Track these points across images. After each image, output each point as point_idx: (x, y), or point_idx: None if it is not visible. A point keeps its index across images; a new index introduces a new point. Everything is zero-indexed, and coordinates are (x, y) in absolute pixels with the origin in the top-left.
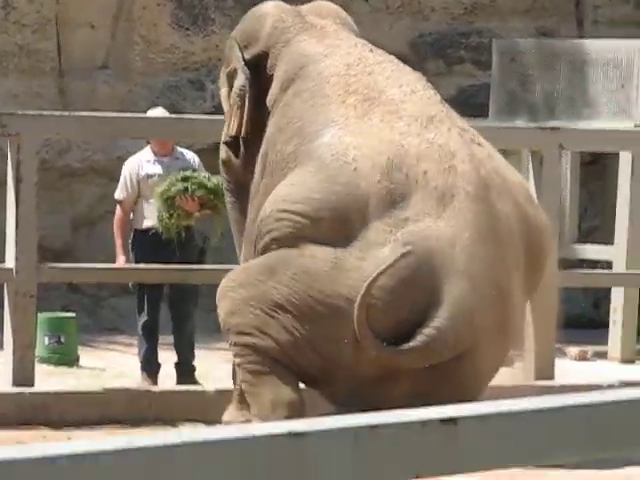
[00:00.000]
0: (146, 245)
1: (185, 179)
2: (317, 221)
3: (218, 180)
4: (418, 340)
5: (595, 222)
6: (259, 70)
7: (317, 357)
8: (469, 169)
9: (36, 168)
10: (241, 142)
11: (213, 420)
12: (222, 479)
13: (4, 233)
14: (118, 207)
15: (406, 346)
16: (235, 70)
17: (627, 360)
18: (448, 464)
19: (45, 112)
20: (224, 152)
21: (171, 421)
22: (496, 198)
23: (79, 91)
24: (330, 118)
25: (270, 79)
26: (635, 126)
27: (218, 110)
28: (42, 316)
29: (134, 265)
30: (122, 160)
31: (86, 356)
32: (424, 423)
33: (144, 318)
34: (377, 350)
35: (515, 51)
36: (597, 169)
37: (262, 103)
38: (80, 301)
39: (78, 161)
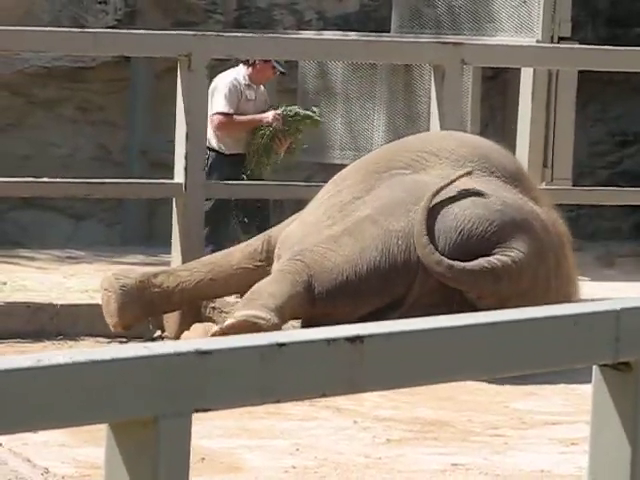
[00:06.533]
0: (227, 168)
1: (292, 124)
2: None
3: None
4: (485, 260)
5: (496, 138)
6: None
7: (375, 275)
8: None
9: None
10: None
11: (117, 335)
12: (130, 397)
13: None
14: (223, 117)
15: (471, 264)
16: None
17: None
18: (354, 382)
19: None
20: None
21: (73, 335)
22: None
23: None
24: None
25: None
26: (537, 42)
27: (120, 24)
28: None
29: (38, 179)
30: (24, 73)
31: None
32: (330, 341)
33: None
34: (438, 263)
35: None
36: (498, 84)
37: None
38: None
39: None
